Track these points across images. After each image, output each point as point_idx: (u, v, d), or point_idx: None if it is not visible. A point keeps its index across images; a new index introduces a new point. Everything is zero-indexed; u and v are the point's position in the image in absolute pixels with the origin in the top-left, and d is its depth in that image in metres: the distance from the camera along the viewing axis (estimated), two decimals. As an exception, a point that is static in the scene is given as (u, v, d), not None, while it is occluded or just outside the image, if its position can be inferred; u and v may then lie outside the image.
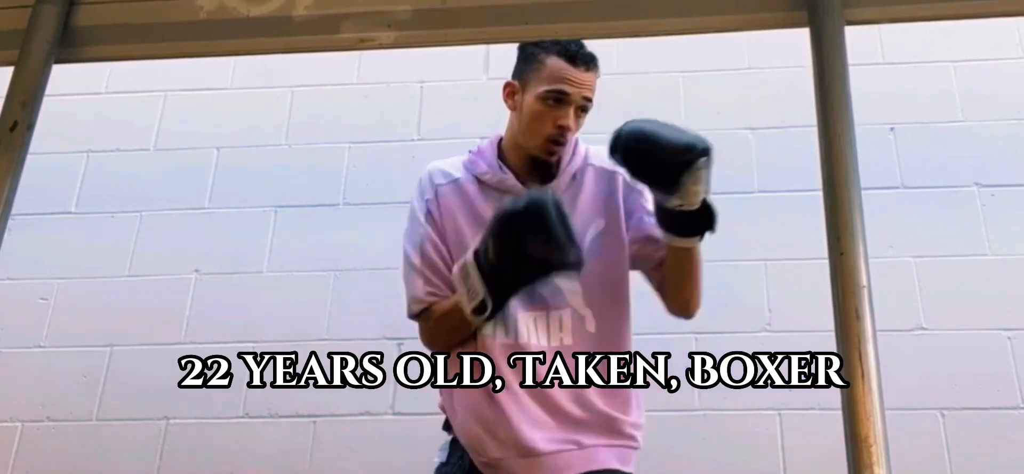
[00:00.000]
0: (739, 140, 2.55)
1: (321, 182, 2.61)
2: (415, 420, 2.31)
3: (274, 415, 2.35)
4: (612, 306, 1.72)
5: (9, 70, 1.59)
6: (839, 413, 1.25)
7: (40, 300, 2.53)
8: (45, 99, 1.57)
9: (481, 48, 2.69)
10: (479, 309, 1.57)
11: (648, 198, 1.73)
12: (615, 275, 1.73)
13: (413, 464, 2.28)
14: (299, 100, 2.75)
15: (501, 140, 1.80)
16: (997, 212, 2.39)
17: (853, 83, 1.44)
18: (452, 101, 2.69)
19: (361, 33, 1.62)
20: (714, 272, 2.38)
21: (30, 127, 1.54)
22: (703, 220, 1.65)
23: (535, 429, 1.57)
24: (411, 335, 2.40)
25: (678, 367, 2.29)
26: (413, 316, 1.72)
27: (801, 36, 1.54)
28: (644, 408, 1.70)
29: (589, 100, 1.72)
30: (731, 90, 2.62)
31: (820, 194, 1.40)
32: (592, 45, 1.75)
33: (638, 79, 2.64)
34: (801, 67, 1.66)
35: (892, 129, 2.52)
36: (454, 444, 1.69)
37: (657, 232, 1.71)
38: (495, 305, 1.57)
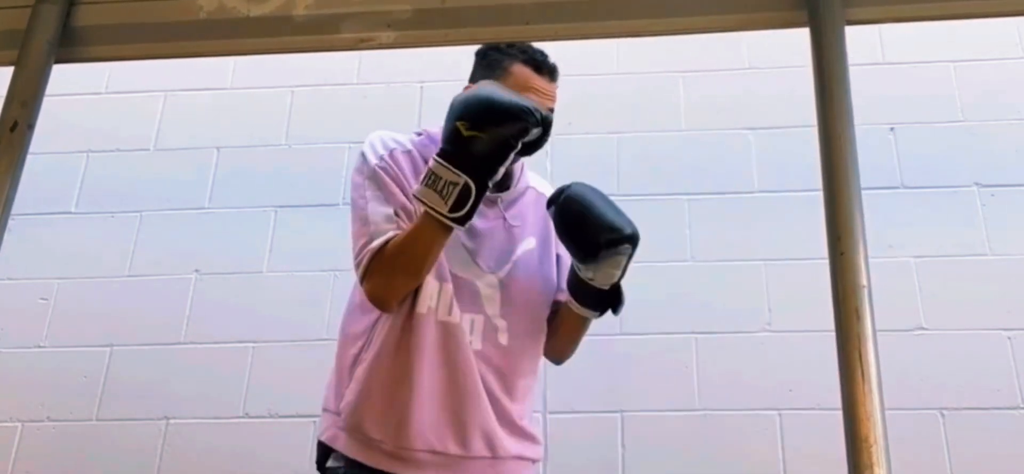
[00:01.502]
0: (739, 140, 2.55)
1: (321, 182, 2.61)
2: (415, 420, 2.30)
3: (274, 415, 2.35)
4: (528, 325, 1.69)
5: (9, 70, 1.58)
6: (839, 413, 1.25)
7: (40, 300, 2.53)
8: (45, 99, 1.57)
9: (481, 48, 2.69)
10: (460, 201, 1.46)
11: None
12: (536, 297, 1.71)
13: (413, 464, 2.28)
14: (299, 100, 2.75)
15: None
16: (997, 212, 2.39)
17: (853, 83, 1.44)
18: (452, 101, 2.68)
19: (361, 33, 1.62)
20: (714, 272, 2.40)
21: (30, 127, 1.54)
22: (609, 299, 1.65)
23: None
24: (411, 335, 2.41)
25: (678, 366, 2.29)
26: (370, 257, 1.55)
27: (801, 36, 1.54)
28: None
29: (552, 111, 1.67)
30: (731, 90, 2.62)
31: (820, 194, 1.40)
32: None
33: (638, 79, 2.64)
34: (801, 67, 1.66)
35: (892, 129, 2.52)
36: None
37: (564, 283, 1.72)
38: (479, 187, 1.47)
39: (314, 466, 1.64)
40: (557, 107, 1.74)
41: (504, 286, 1.65)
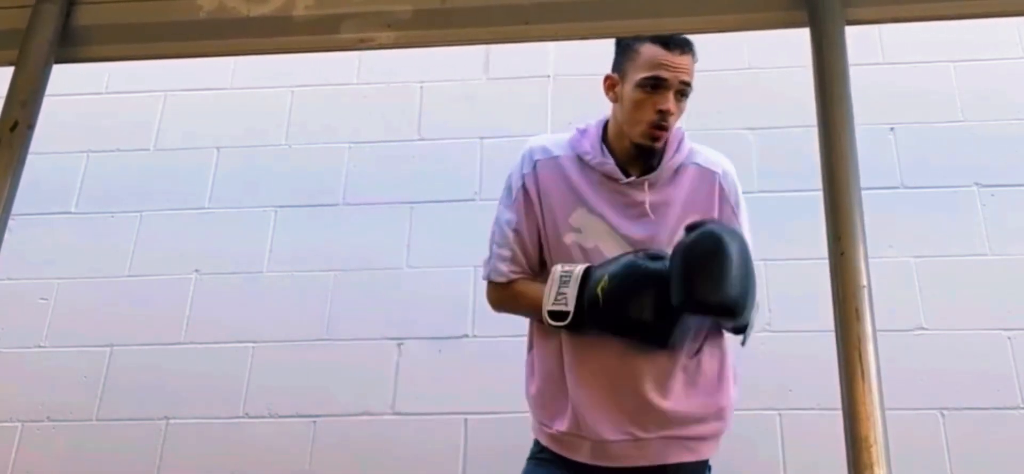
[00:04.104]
0: (739, 140, 2.55)
1: (321, 182, 2.61)
2: (415, 420, 2.31)
3: (274, 415, 2.35)
4: None
5: (9, 70, 1.58)
6: (839, 413, 1.25)
7: (40, 300, 2.53)
8: (45, 99, 1.57)
9: (481, 48, 2.69)
10: (557, 316, 1.65)
11: (743, 220, 1.83)
12: None
13: (413, 464, 2.28)
14: (299, 100, 2.75)
15: (606, 124, 1.84)
16: (997, 212, 2.39)
17: (853, 83, 1.44)
18: (452, 101, 2.69)
19: (361, 33, 1.62)
20: (714, 272, 2.40)
21: (30, 127, 1.54)
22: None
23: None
24: (411, 335, 2.41)
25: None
26: (489, 282, 1.82)
27: (801, 36, 1.54)
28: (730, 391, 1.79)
29: (687, 84, 1.77)
30: (731, 90, 2.62)
31: (820, 194, 1.40)
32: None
33: (638, 79, 2.64)
34: (801, 67, 1.66)
35: (892, 129, 2.52)
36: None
37: None
38: (573, 325, 1.64)
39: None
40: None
41: None
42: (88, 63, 1.71)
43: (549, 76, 2.67)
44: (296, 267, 2.52)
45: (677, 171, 1.80)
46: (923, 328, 2.29)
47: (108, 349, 2.46)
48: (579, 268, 1.67)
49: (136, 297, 2.52)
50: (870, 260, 1.33)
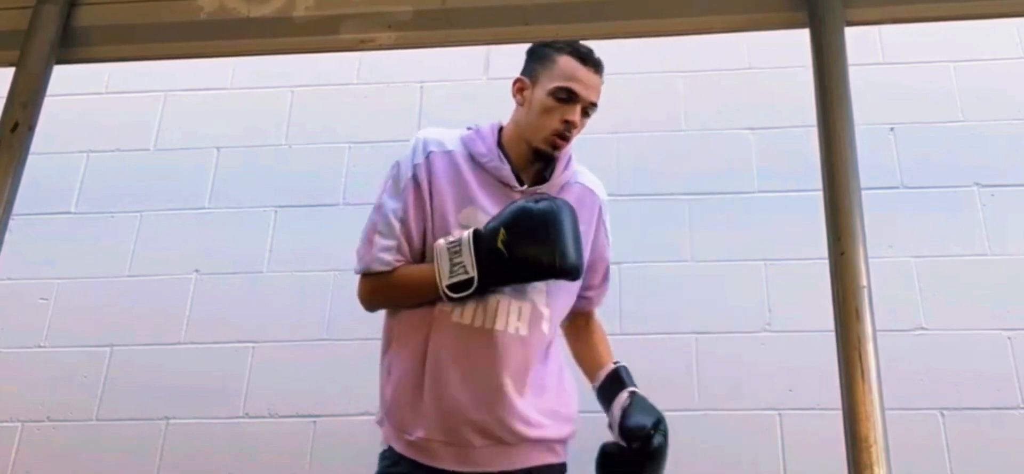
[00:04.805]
0: (739, 140, 2.55)
1: (321, 182, 2.61)
2: (415, 420, 2.30)
3: (274, 415, 2.35)
4: (560, 313, 1.80)
5: (10, 70, 1.59)
6: (839, 413, 1.25)
7: (40, 300, 2.53)
8: (45, 99, 1.57)
9: (481, 48, 2.69)
10: (460, 287, 1.61)
11: (609, 248, 1.89)
12: (570, 287, 1.79)
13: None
14: (299, 100, 2.75)
15: (501, 129, 1.85)
16: (997, 212, 2.39)
17: (853, 83, 1.44)
18: (452, 101, 2.69)
19: (361, 34, 1.62)
20: (714, 272, 2.40)
21: (31, 127, 1.54)
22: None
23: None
24: (411, 335, 2.41)
25: (679, 367, 2.30)
26: (367, 273, 1.73)
27: (801, 36, 1.54)
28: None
29: (594, 104, 1.78)
30: (731, 90, 2.62)
31: (820, 194, 1.40)
32: (599, 49, 1.75)
33: (638, 79, 2.64)
34: (801, 67, 1.66)
35: (892, 129, 2.52)
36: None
37: (594, 287, 1.88)
38: (479, 288, 1.61)
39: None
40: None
41: None
42: (88, 63, 1.71)
43: (549, 76, 2.67)
44: (296, 267, 2.52)
45: (564, 186, 1.82)
46: (923, 328, 2.29)
47: (108, 349, 2.46)
48: (466, 233, 1.64)
49: (136, 297, 2.52)
50: (870, 260, 1.33)
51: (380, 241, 1.72)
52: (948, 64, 2.59)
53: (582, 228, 1.73)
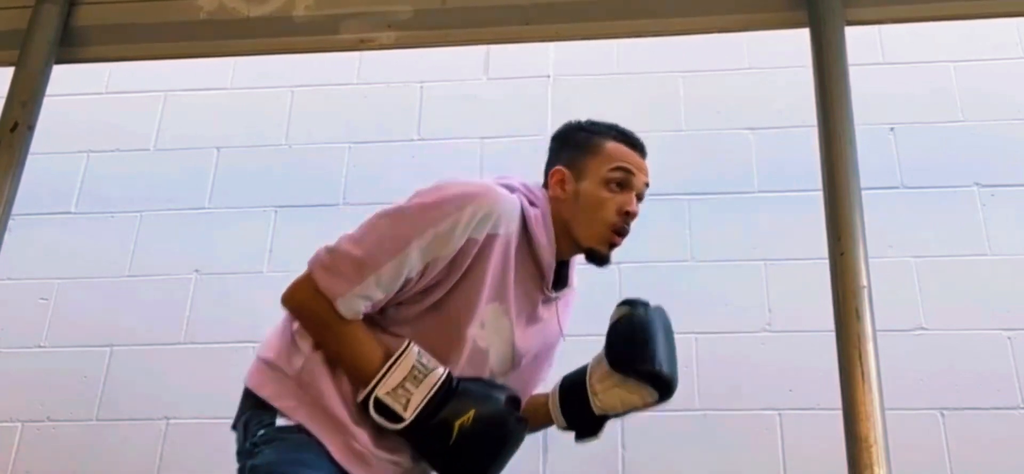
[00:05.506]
0: (739, 140, 2.55)
1: (321, 182, 2.61)
2: (415, 420, 2.30)
3: (274, 415, 2.35)
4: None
5: (9, 70, 1.59)
6: (839, 413, 1.25)
7: (40, 300, 2.53)
8: (45, 99, 1.57)
9: (481, 48, 2.69)
10: (386, 411, 1.34)
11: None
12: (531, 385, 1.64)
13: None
14: (299, 100, 2.75)
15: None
16: (997, 212, 2.39)
17: (853, 83, 1.44)
18: (452, 101, 2.68)
19: (361, 33, 1.62)
20: (714, 272, 2.40)
21: (30, 127, 1.54)
22: (586, 425, 1.55)
23: None
24: (411, 335, 2.41)
25: (679, 367, 2.29)
26: (323, 296, 1.42)
27: (801, 36, 1.54)
28: None
29: (647, 186, 1.58)
30: (731, 90, 2.62)
31: (820, 194, 1.40)
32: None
33: (638, 79, 2.64)
34: (801, 67, 1.67)
35: (892, 129, 2.52)
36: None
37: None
38: (402, 433, 1.36)
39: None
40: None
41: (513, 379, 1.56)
42: (88, 63, 1.71)
43: (549, 76, 2.67)
44: (296, 267, 2.51)
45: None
46: (923, 328, 2.29)
47: (108, 349, 2.46)
48: (439, 371, 1.36)
49: (136, 297, 2.51)
50: (870, 260, 1.33)
51: (369, 284, 1.39)
52: (948, 64, 2.59)
53: (553, 335, 1.59)
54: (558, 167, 1.56)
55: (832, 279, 1.35)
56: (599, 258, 1.53)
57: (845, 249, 1.34)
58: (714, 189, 2.49)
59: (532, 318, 1.52)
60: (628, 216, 1.51)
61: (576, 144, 1.58)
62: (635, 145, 1.58)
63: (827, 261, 1.37)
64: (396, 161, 2.61)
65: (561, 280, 1.56)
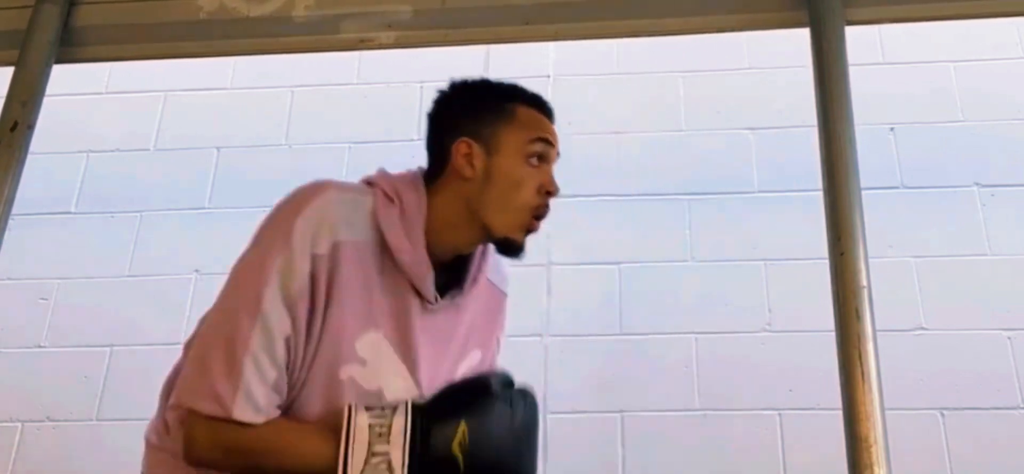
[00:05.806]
0: (739, 140, 2.55)
1: (321, 182, 2.61)
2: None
3: (274, 415, 2.35)
4: None
5: (9, 70, 1.59)
6: (839, 413, 1.25)
7: (40, 300, 2.53)
8: (45, 99, 1.57)
9: (481, 48, 2.69)
10: None
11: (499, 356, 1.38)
12: None
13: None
14: (299, 100, 2.75)
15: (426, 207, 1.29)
16: (997, 212, 2.39)
17: (853, 83, 1.44)
18: (452, 101, 2.68)
19: (361, 33, 1.62)
20: (714, 272, 2.40)
21: (30, 127, 1.54)
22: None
23: None
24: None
25: (679, 366, 2.29)
26: (224, 435, 1.12)
27: (801, 36, 1.54)
28: None
29: (558, 155, 1.33)
30: (731, 90, 2.62)
31: (820, 194, 1.40)
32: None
33: (638, 79, 2.64)
34: (801, 67, 1.66)
35: (892, 129, 2.52)
36: None
37: None
38: None
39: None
40: (557, 107, 1.73)
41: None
42: (88, 63, 1.71)
43: (549, 76, 2.67)
44: (296, 267, 2.52)
45: (480, 283, 1.32)
46: (923, 328, 2.29)
47: (108, 349, 2.46)
48: (400, 408, 1.11)
49: (136, 297, 2.51)
50: (870, 260, 1.33)
51: (254, 372, 1.10)
52: (948, 64, 2.59)
53: (477, 341, 1.32)
54: (463, 139, 1.28)
55: (832, 279, 1.35)
56: (514, 248, 1.25)
57: (845, 249, 1.34)
58: (714, 189, 2.49)
59: (431, 338, 1.23)
60: (549, 195, 1.26)
61: (483, 109, 1.31)
62: (548, 110, 1.33)
63: (827, 261, 1.37)
64: (396, 161, 2.59)
65: (459, 279, 1.28)
